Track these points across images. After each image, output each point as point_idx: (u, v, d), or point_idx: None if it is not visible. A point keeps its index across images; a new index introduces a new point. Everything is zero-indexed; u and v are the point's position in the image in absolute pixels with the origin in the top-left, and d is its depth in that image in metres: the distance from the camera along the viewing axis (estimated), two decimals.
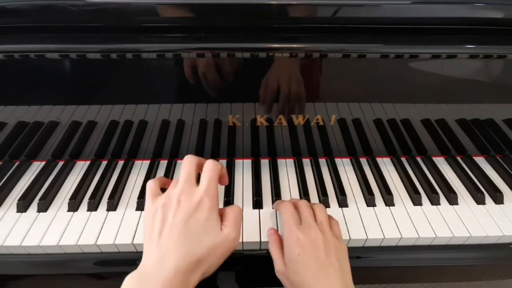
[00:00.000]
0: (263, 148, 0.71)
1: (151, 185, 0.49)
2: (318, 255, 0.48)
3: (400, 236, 0.56)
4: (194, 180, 0.47)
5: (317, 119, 0.67)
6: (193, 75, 0.60)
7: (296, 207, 0.55)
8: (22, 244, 0.55)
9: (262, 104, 0.64)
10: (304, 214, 0.53)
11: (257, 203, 0.62)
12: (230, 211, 0.47)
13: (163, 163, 0.71)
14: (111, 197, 0.62)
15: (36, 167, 0.70)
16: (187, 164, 0.48)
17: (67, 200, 0.62)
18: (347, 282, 0.47)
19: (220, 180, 0.50)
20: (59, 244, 0.55)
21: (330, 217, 0.56)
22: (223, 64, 0.60)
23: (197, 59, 0.59)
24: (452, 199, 0.63)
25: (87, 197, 0.63)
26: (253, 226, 0.58)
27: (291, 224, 0.51)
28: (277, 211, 0.60)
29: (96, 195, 0.63)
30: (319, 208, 0.55)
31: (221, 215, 0.47)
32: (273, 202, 0.62)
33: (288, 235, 0.50)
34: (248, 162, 0.72)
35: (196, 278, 0.43)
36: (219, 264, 0.45)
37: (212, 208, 0.45)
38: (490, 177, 0.68)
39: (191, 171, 0.48)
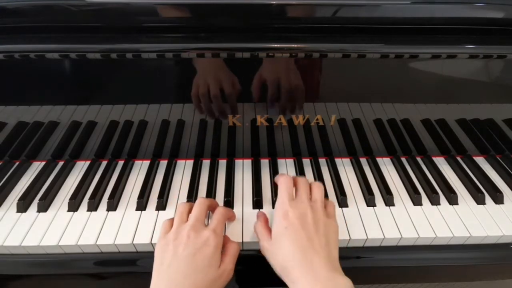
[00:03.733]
0: (263, 148, 0.71)
1: (165, 224, 0.53)
2: (305, 230, 0.48)
3: (400, 236, 0.56)
4: (204, 220, 0.53)
5: (317, 119, 0.67)
6: (195, 76, 0.61)
7: (295, 183, 0.56)
8: (22, 244, 0.55)
9: (264, 104, 0.64)
10: (300, 190, 0.54)
11: (257, 203, 0.62)
12: (229, 247, 0.52)
13: (163, 163, 0.71)
14: (111, 197, 0.62)
15: (36, 167, 0.70)
16: (199, 205, 0.54)
17: (67, 200, 0.62)
18: (332, 259, 0.48)
19: (228, 219, 0.57)
20: (59, 244, 0.55)
21: (326, 200, 0.56)
22: (223, 64, 0.60)
23: (198, 60, 0.59)
24: (452, 199, 0.63)
25: (87, 197, 0.63)
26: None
27: (284, 198, 0.52)
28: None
29: (96, 195, 0.63)
30: (317, 186, 0.56)
31: (222, 246, 0.52)
32: (273, 202, 0.62)
33: (279, 208, 0.52)
34: (248, 162, 0.72)
35: None
36: (223, 286, 0.49)
37: (217, 246, 0.50)
38: (490, 177, 0.68)
39: (202, 211, 0.53)
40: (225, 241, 0.54)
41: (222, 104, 0.64)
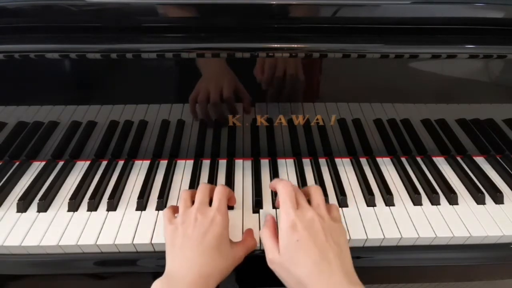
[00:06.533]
0: (263, 148, 0.71)
1: (166, 212, 0.55)
2: (317, 240, 0.46)
3: (400, 236, 0.56)
4: (207, 203, 0.54)
5: (317, 119, 0.67)
6: (197, 76, 0.61)
7: None
8: (22, 244, 0.55)
9: (264, 104, 0.64)
10: (299, 197, 0.52)
11: (257, 203, 0.62)
12: (248, 240, 0.55)
13: (163, 163, 0.71)
14: (111, 197, 0.62)
15: (36, 167, 0.70)
16: (201, 190, 0.55)
17: (67, 200, 0.62)
18: (347, 267, 0.46)
19: (228, 201, 0.57)
20: (59, 244, 0.55)
21: (329, 204, 0.55)
22: (223, 64, 0.60)
23: (199, 60, 0.59)
24: (452, 199, 0.63)
25: (87, 197, 0.63)
26: (253, 226, 0.58)
27: (289, 208, 0.49)
28: (274, 212, 0.61)
29: (96, 195, 0.63)
30: (314, 189, 0.54)
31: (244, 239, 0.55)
32: (273, 202, 0.62)
33: (284, 219, 0.49)
34: (248, 162, 0.72)
35: (214, 281, 0.48)
36: (232, 269, 0.51)
37: (224, 224, 0.51)
38: (490, 177, 0.68)
39: (205, 196, 0.55)
40: (246, 235, 0.56)
41: (222, 106, 0.64)
